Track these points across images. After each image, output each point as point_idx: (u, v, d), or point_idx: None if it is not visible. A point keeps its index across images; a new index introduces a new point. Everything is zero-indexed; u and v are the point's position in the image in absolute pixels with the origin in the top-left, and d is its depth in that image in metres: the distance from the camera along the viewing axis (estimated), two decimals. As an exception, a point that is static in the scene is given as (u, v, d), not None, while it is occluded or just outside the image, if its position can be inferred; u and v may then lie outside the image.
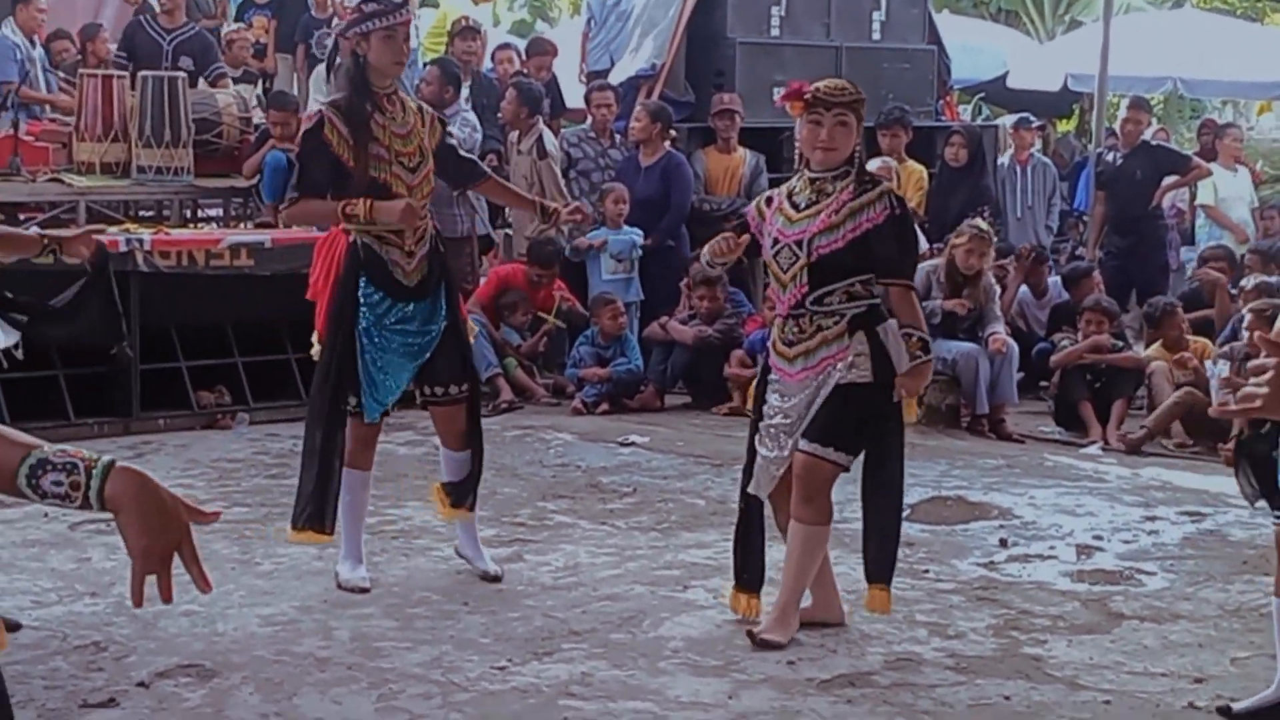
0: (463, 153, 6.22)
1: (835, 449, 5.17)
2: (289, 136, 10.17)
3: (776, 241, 5.23)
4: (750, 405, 5.53)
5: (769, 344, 5.40)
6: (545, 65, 11.91)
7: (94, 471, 2.10)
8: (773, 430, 5.29)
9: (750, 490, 5.42)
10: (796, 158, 5.35)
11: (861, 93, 5.23)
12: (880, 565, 5.34)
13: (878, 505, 5.32)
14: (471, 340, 6.08)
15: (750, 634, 5.24)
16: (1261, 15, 21.63)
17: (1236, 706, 4.69)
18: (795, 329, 5.22)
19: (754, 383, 5.54)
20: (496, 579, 5.95)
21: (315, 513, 5.73)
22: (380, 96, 5.67)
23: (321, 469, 5.74)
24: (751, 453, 5.42)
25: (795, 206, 5.23)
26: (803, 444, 5.20)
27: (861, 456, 5.30)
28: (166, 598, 2.12)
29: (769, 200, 5.38)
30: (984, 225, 9.82)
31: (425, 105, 6.06)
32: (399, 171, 5.66)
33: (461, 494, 5.98)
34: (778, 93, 11.17)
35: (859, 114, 5.18)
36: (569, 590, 5.91)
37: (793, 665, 5.12)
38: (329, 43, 13.00)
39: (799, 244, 5.16)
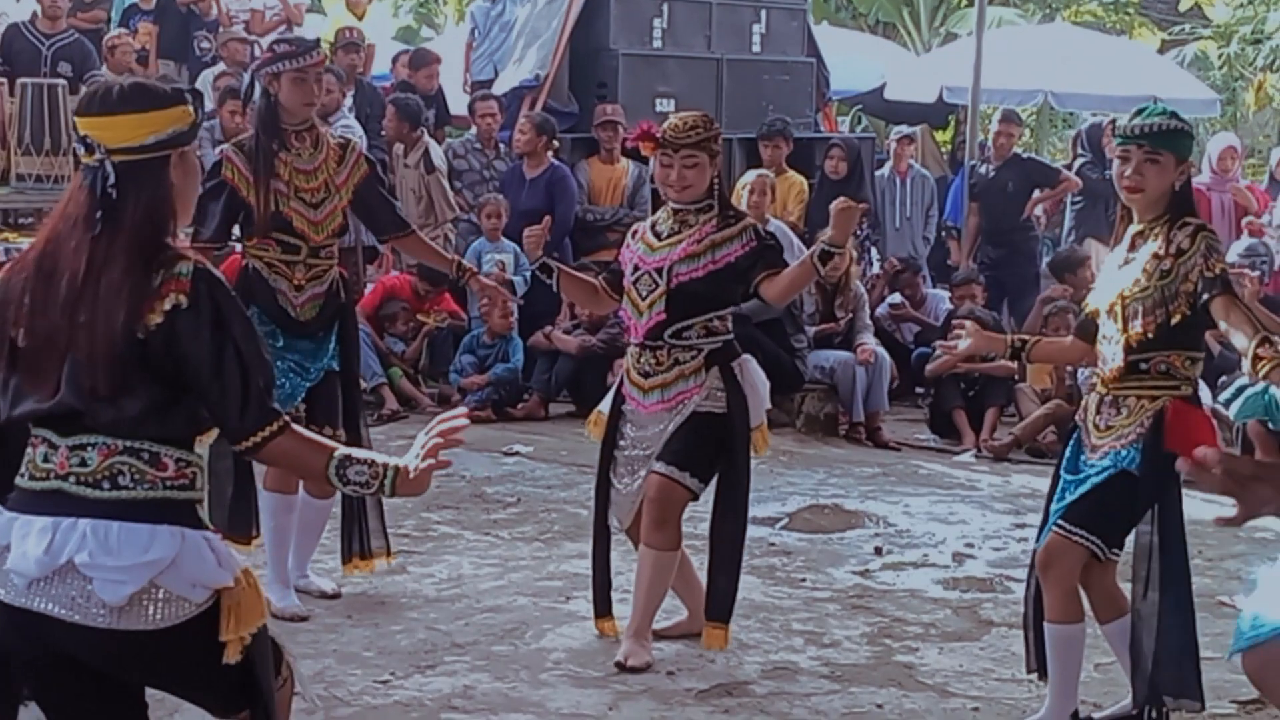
0: (392, 201, 6.06)
1: (690, 474, 5.21)
2: None
3: (637, 269, 5.30)
4: (596, 431, 5.49)
5: (624, 371, 5.44)
6: (432, 75, 11.93)
7: (388, 470, 2.99)
8: (630, 461, 5.35)
9: (608, 523, 5.45)
10: (652, 193, 5.41)
11: (714, 127, 5.25)
12: (723, 601, 5.31)
13: (724, 533, 5.32)
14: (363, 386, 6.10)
15: (619, 664, 5.26)
16: (1129, 29, 22.10)
17: (1096, 716, 4.87)
18: (652, 361, 5.26)
19: (602, 409, 5.49)
20: (336, 595, 5.98)
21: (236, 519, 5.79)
22: (289, 134, 5.67)
23: (235, 480, 5.79)
24: (603, 481, 5.45)
25: (657, 235, 5.31)
26: (657, 466, 5.23)
27: (713, 486, 5.33)
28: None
29: (634, 232, 5.46)
30: None
31: (354, 145, 5.93)
32: (298, 207, 5.66)
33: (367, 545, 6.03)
34: (660, 104, 11.35)
35: (711, 150, 5.21)
36: (452, 602, 5.98)
37: (672, 676, 5.23)
38: (205, 45, 12.97)
39: (658, 271, 5.23)
